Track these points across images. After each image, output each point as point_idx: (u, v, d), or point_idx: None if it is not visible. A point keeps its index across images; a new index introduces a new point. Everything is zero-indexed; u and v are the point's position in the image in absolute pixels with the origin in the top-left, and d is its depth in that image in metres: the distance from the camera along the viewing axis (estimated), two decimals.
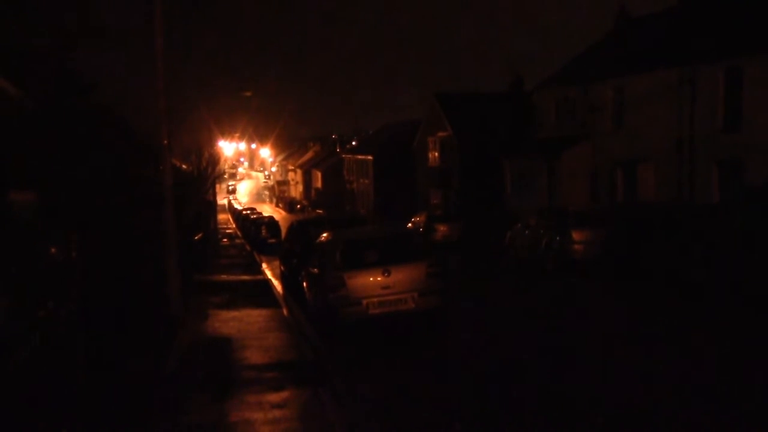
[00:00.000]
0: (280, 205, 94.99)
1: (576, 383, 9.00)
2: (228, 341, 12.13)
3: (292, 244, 19.77)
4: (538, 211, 24.14)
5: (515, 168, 36.80)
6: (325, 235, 14.20)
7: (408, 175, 53.02)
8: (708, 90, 24.98)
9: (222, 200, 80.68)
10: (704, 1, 29.33)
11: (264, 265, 28.03)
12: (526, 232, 22.96)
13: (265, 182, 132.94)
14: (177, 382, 9.45)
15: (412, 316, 12.19)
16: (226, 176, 79.57)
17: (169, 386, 9.18)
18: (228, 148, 51.68)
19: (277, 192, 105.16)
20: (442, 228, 32.86)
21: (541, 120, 36.07)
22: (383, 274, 11.98)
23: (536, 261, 21.69)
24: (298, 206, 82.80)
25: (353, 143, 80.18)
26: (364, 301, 11.92)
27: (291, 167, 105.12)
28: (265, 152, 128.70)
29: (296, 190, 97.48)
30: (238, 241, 45.46)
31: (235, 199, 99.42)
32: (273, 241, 38.84)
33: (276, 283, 21.39)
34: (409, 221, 35.70)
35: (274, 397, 8.44)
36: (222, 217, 63.12)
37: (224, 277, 23.44)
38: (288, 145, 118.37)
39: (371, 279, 12.02)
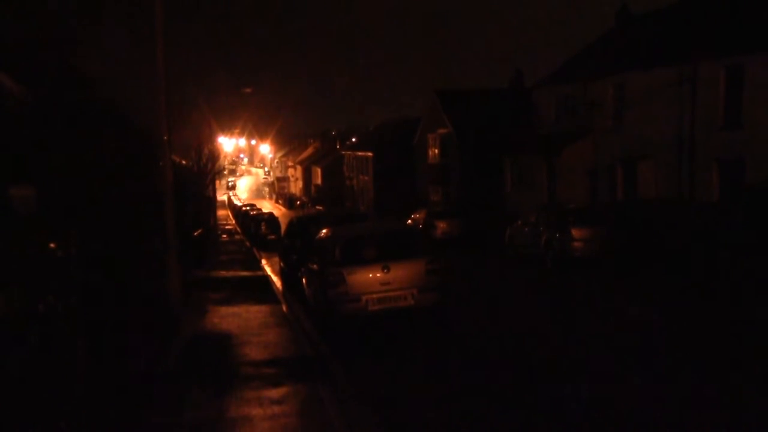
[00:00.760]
0: (280, 201, 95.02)
1: (575, 383, 9.01)
2: (227, 337, 12.14)
3: (291, 240, 19.78)
4: (537, 208, 24.15)
5: (515, 165, 36.81)
6: (324, 231, 14.20)
7: (408, 171, 53.01)
8: (709, 88, 24.97)
9: (222, 196, 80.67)
10: None
11: (263, 261, 28.04)
12: (526, 229, 22.96)
13: (264, 178, 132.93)
14: (176, 377, 9.45)
15: (412, 313, 12.19)
16: (225, 172, 79.61)
17: (169, 382, 9.18)
18: (228, 144, 51.74)
19: (277, 188, 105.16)
20: (441, 225, 32.86)
21: (542, 117, 36.06)
22: (383, 270, 11.98)
23: (536, 258, 21.70)
24: (298, 202, 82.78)
25: (353, 140, 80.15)
26: (364, 298, 11.92)
27: (291, 163, 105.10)
28: (265, 148, 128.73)
29: (296, 187, 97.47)
30: (237, 237, 45.48)
31: (235, 195, 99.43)
32: (272, 237, 38.86)
33: (275, 279, 21.40)
34: (409, 218, 35.70)
35: (274, 393, 8.45)
36: (221, 213, 63.16)
37: (224, 273, 23.45)
38: (288, 142, 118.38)
39: (370, 275, 12.02)
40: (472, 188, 41.45)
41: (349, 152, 71.28)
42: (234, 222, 62.03)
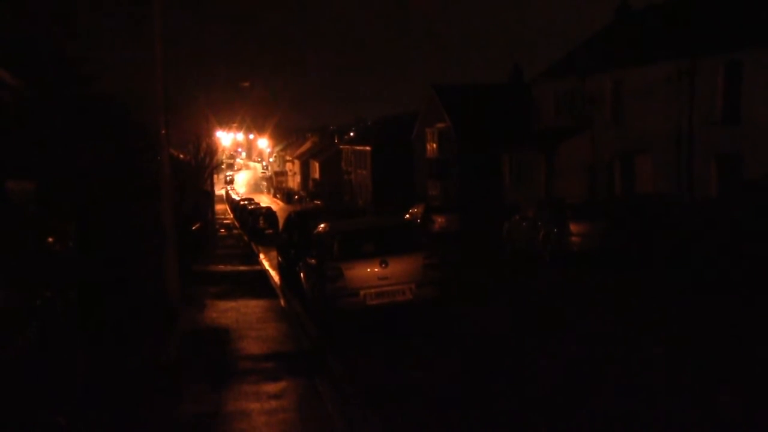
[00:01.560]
0: (278, 195, 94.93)
1: (573, 383, 9.02)
2: (225, 331, 12.14)
3: (289, 234, 19.75)
4: (536, 203, 24.14)
5: (513, 159, 36.81)
6: (322, 225, 14.19)
7: (406, 166, 53.00)
8: (707, 83, 24.98)
9: (220, 190, 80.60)
10: None
11: (261, 256, 28.03)
12: (524, 224, 22.96)
13: (262, 173, 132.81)
14: (174, 371, 9.45)
15: (410, 307, 12.20)
16: (223, 166, 79.49)
17: (167, 376, 9.19)
18: (226, 138, 51.65)
19: (275, 182, 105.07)
20: (439, 219, 32.86)
21: (540, 112, 36.06)
22: (381, 265, 11.99)
23: (534, 253, 21.71)
24: (296, 197, 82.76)
25: (351, 134, 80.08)
26: (362, 292, 11.92)
27: (289, 158, 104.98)
28: (263, 143, 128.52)
29: (294, 181, 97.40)
30: (235, 231, 45.46)
31: (233, 189, 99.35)
32: (270, 231, 38.84)
33: (273, 273, 21.39)
34: (407, 212, 35.69)
35: (271, 387, 8.46)
36: (219, 207, 63.11)
37: (222, 267, 23.45)
38: (286, 136, 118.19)
39: (369, 270, 12.03)
40: (470, 183, 41.45)
41: (347, 147, 71.23)
42: (232, 216, 61.98)
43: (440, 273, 12.58)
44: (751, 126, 23.08)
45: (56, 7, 11.26)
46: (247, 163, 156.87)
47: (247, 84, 34.53)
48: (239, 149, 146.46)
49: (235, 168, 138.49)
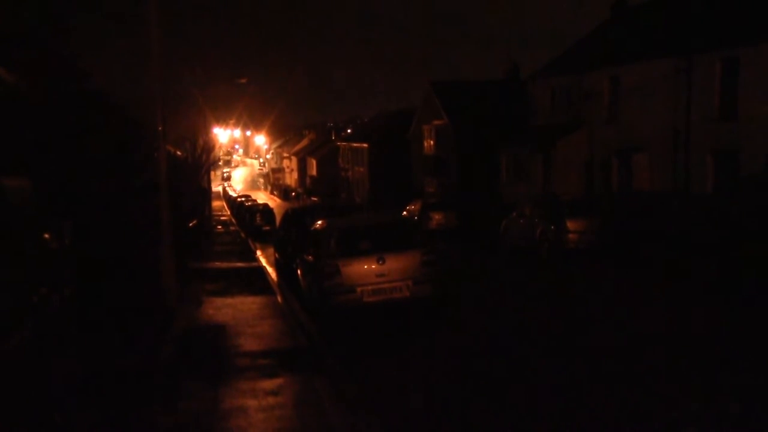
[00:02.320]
0: (275, 192, 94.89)
1: (572, 382, 9.03)
2: (222, 328, 12.14)
3: (286, 231, 19.74)
4: (533, 200, 24.16)
5: (510, 156, 36.79)
6: (319, 222, 14.19)
7: (403, 163, 52.97)
8: (704, 79, 24.99)
9: (217, 187, 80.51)
10: None
11: (258, 253, 28.01)
12: (521, 220, 22.98)
13: (259, 169, 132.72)
14: (171, 369, 9.45)
15: (407, 304, 12.21)
16: (220, 163, 79.54)
17: (163, 373, 9.18)
18: (223, 135, 51.62)
19: (272, 179, 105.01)
20: (437, 216, 32.83)
21: (537, 108, 36.05)
22: (378, 261, 11.99)
23: (531, 250, 21.72)
24: (293, 194, 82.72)
25: (348, 131, 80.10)
26: (359, 289, 11.93)
27: (286, 155, 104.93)
28: (260, 139, 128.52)
29: (291, 178, 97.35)
30: (232, 228, 45.40)
31: (230, 186, 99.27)
32: (267, 228, 38.82)
33: (270, 270, 21.39)
34: (404, 209, 35.67)
35: (269, 384, 8.46)
36: (216, 204, 62.98)
37: (218, 264, 23.42)
38: (283, 133, 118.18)
39: (366, 267, 12.03)
40: (468, 180, 41.45)
41: (344, 143, 71.19)
42: (229, 213, 61.92)
43: (437, 270, 12.59)
44: (748, 122, 23.10)
45: (53, 4, 11.23)
46: (244, 159, 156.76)
47: (244, 80, 34.41)
48: (236, 146, 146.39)
49: (232, 165, 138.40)
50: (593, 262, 19.17)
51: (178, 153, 25.72)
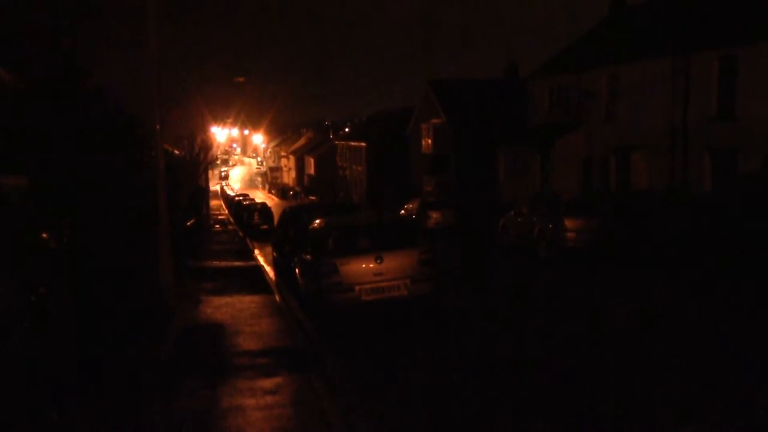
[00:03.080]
0: (273, 191, 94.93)
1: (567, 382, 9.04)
2: (220, 327, 12.13)
3: (284, 230, 19.72)
4: (531, 199, 24.17)
5: (509, 155, 36.80)
6: (317, 221, 14.18)
7: (401, 161, 52.96)
8: (702, 79, 25.00)
9: (214, 186, 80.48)
10: None
11: (256, 252, 28.00)
12: (519, 219, 22.99)
13: (257, 168, 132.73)
14: (169, 368, 9.44)
15: (405, 303, 12.20)
16: (218, 162, 79.39)
17: (162, 372, 9.18)
18: (220, 133, 51.51)
19: (270, 178, 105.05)
20: (434, 215, 32.84)
21: (536, 107, 36.07)
22: (376, 260, 11.98)
23: (529, 248, 21.74)
24: (291, 192, 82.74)
25: (346, 130, 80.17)
26: (357, 288, 11.92)
27: (284, 153, 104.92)
28: (258, 138, 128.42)
29: (289, 177, 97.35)
30: (230, 227, 45.38)
31: (228, 185, 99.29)
32: (265, 227, 38.81)
33: (268, 269, 21.38)
34: (402, 208, 35.68)
35: (267, 383, 8.45)
36: (214, 203, 62.99)
37: (216, 263, 23.40)
38: (281, 132, 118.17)
39: (364, 266, 12.02)
40: (466, 178, 41.45)
41: (342, 142, 71.18)
42: (227, 212, 61.89)
43: (436, 269, 12.59)
44: (746, 121, 23.11)
45: (50, 3, 11.20)
46: (242, 158, 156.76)
47: (242, 79, 34.43)
48: (234, 145, 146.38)
49: (230, 164, 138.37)
50: (591, 261, 19.18)
51: (176, 152, 25.70)
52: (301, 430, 6.99)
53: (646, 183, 27.53)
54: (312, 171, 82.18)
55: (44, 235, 6.25)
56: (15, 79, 8.55)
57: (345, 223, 13.84)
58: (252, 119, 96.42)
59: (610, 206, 22.60)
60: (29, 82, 9.02)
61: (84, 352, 7.26)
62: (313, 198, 67.60)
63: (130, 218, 11.76)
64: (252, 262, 23.74)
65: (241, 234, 38.38)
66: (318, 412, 7.40)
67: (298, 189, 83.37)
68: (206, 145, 33.82)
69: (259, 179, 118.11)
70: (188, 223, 23.21)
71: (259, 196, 71.54)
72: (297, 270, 14.80)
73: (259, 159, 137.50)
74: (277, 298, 15.37)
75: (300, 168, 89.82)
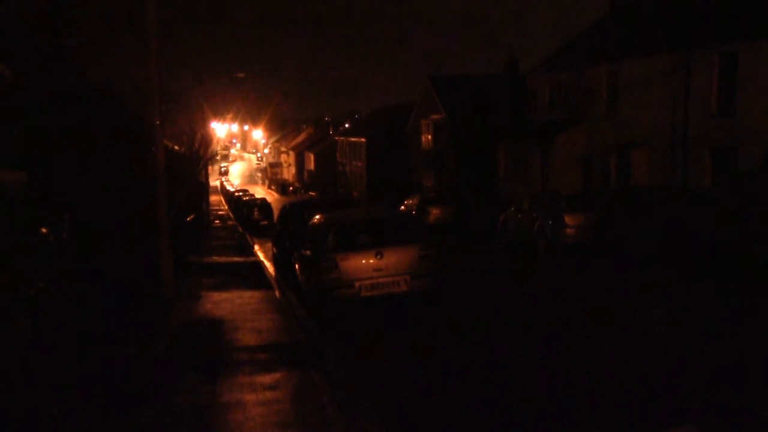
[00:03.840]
0: (273, 187, 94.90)
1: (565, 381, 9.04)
2: (220, 323, 12.13)
3: (284, 226, 19.74)
4: (531, 195, 24.16)
5: (509, 151, 36.78)
6: (317, 217, 14.17)
7: (401, 157, 52.94)
8: (703, 75, 24.96)
9: (214, 182, 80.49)
10: None
11: (256, 247, 28.01)
12: (519, 215, 22.99)
13: (257, 164, 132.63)
14: (169, 363, 9.44)
15: (405, 299, 12.19)
16: (218, 158, 79.17)
17: (162, 367, 9.17)
18: (220, 129, 51.42)
19: (270, 174, 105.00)
20: (434, 211, 32.85)
21: (536, 103, 36.04)
22: (376, 256, 11.97)
23: (528, 245, 21.74)
24: (291, 188, 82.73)
25: (346, 125, 79.97)
26: (357, 284, 11.91)
27: (284, 149, 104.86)
28: (258, 134, 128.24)
29: (289, 173, 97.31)
30: (230, 222, 45.39)
31: (228, 180, 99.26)
32: (265, 223, 38.83)
33: (268, 264, 21.39)
34: (402, 204, 35.67)
35: (267, 379, 8.45)
36: (214, 198, 63.03)
37: (216, 258, 23.41)
38: (281, 127, 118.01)
39: (364, 261, 12.01)
40: (466, 175, 41.43)
41: (342, 138, 71.11)
42: (227, 207, 61.90)
43: (436, 264, 12.57)
44: (746, 118, 23.08)
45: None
46: (242, 154, 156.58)
47: (242, 75, 34.32)
48: (234, 140, 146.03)
49: (230, 159, 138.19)
50: (591, 257, 19.19)
51: (176, 147, 25.68)
52: (301, 425, 6.99)
53: (647, 179, 27.51)
54: (312, 167, 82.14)
55: (44, 230, 6.24)
56: (15, 74, 8.55)
57: (345, 218, 13.82)
58: (252, 115, 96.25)
59: (610, 203, 22.60)
60: (30, 78, 9.01)
61: (83, 346, 7.26)
62: (313, 194, 67.59)
63: (129, 214, 11.77)
64: (252, 258, 23.75)
65: (240, 229, 38.39)
66: (318, 408, 7.40)
67: (297, 185, 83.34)
68: (206, 141, 33.76)
69: (259, 175, 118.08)
70: (188, 219, 23.22)
71: (259, 192, 71.60)
72: (297, 265, 14.79)
73: (258, 155, 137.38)
74: (277, 293, 15.37)
75: (300, 164, 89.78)
